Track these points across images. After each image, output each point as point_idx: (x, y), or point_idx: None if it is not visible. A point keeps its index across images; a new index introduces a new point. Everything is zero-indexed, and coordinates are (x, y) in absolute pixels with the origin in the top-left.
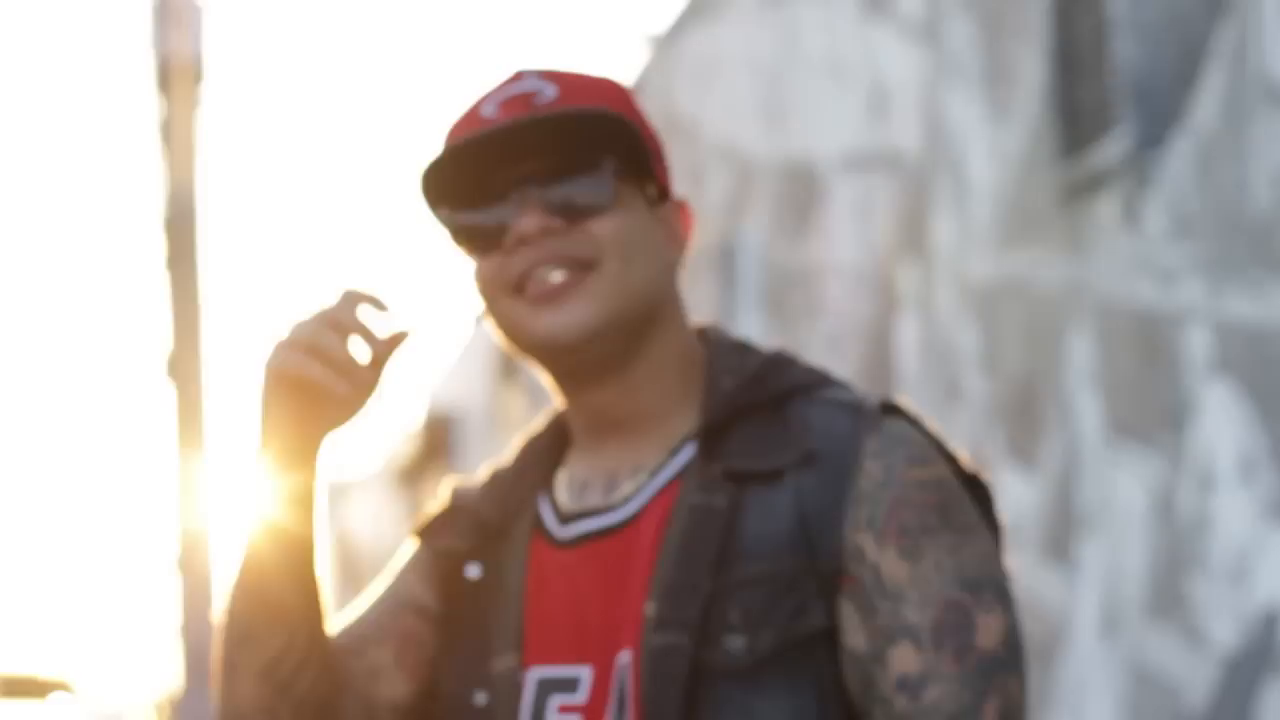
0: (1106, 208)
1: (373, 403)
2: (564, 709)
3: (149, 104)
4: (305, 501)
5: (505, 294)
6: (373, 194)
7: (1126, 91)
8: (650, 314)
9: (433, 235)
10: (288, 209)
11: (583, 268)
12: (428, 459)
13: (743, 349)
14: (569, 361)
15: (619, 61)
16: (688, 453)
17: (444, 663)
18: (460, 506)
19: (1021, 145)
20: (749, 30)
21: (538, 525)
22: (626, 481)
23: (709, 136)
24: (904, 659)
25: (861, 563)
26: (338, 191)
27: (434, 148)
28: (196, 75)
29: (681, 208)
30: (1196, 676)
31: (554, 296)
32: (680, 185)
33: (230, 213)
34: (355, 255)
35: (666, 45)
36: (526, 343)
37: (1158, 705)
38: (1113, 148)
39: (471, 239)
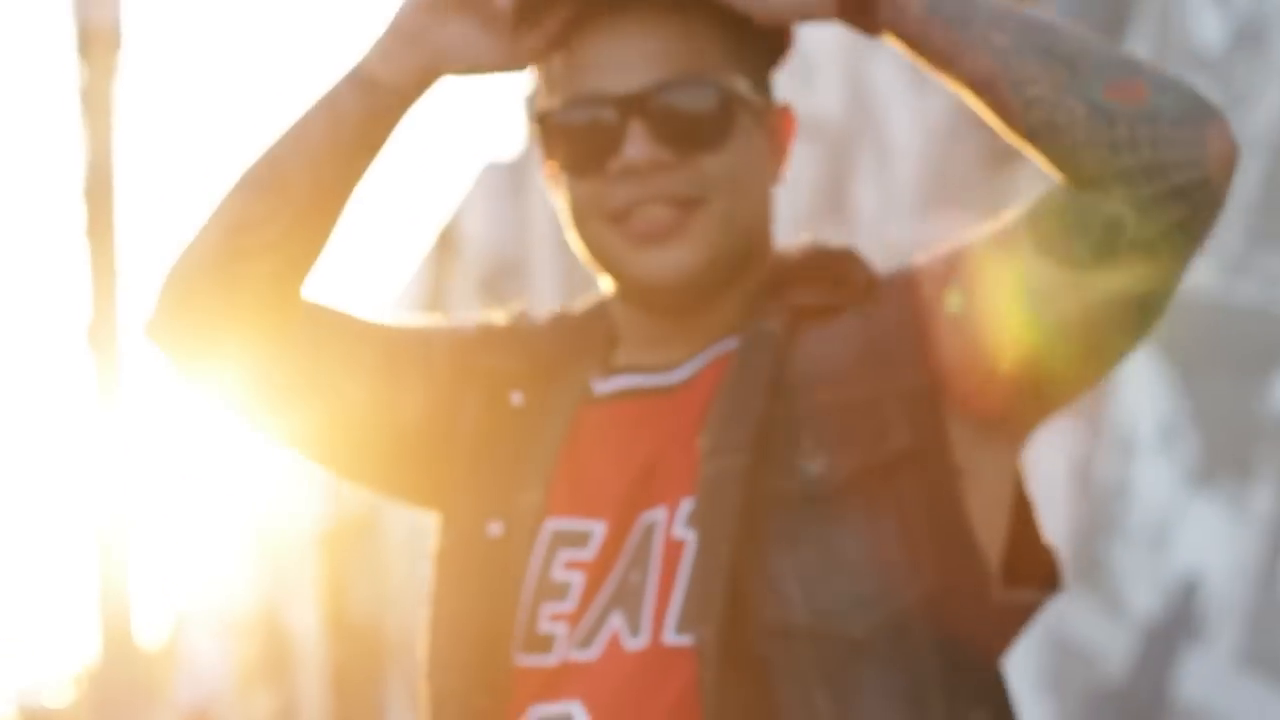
0: (1031, 172)
1: (516, 68)
2: (570, 564)
3: (68, 72)
4: (391, 114)
5: (603, 221)
6: None
7: None
8: (750, 246)
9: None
10: (206, 178)
11: (690, 206)
12: None
13: (812, 250)
14: (664, 301)
15: None
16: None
17: (465, 483)
18: (519, 329)
19: (945, 111)
20: None
21: (585, 383)
22: (680, 349)
23: None
24: (984, 230)
25: (953, 264)
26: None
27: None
28: (115, 43)
29: (785, 114)
30: (1116, 644)
31: (657, 237)
32: None
33: (148, 181)
34: None
35: None
36: (619, 274)
37: (1077, 674)
38: None
39: (568, 150)
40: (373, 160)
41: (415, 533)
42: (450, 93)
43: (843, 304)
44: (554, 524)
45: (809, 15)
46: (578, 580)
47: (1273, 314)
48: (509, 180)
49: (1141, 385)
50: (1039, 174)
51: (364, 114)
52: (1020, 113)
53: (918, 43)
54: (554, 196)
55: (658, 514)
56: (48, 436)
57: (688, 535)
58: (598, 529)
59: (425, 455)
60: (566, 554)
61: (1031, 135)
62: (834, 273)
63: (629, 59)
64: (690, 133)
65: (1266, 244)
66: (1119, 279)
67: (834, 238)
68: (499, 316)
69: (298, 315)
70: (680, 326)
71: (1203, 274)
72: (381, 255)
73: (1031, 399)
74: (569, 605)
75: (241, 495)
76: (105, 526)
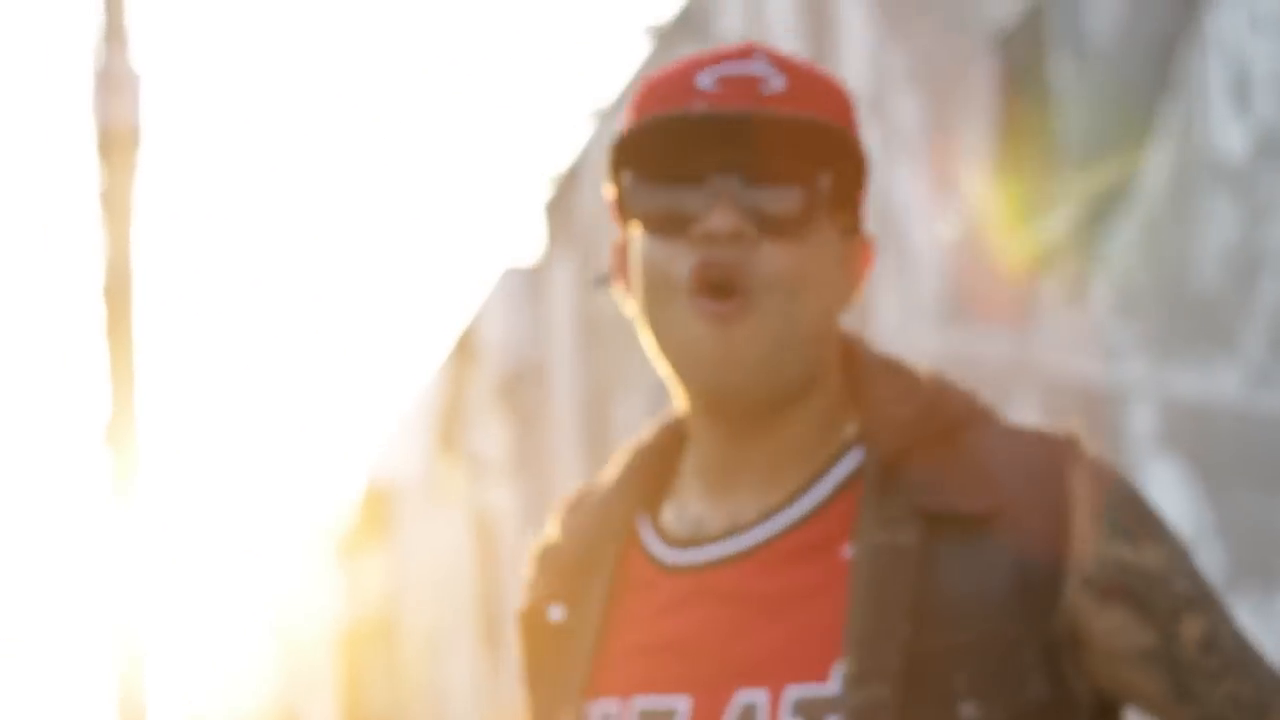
0: (1052, 283)
1: None
2: None
3: (88, 172)
4: None
5: (671, 286)
6: (311, 264)
7: (1072, 167)
8: (813, 355)
9: (375, 312)
10: (224, 277)
11: (758, 288)
12: (367, 531)
13: (898, 369)
14: (732, 389)
15: (563, 135)
16: (833, 480)
17: (531, 708)
18: (549, 545)
19: (967, 220)
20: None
21: (636, 553)
22: (751, 505)
23: None
24: (1195, 624)
25: (1126, 570)
26: (276, 260)
27: (636, 106)
28: (135, 143)
29: (866, 246)
30: None
31: (730, 316)
32: None
33: (167, 281)
34: (293, 326)
35: (610, 119)
36: (689, 357)
37: None
38: (1058, 223)
39: (655, 217)
40: None
41: (434, 633)
42: (469, 197)
43: (989, 516)
44: (641, 702)
45: None
46: None
47: None
48: (528, 285)
49: (1168, 494)
50: (1059, 286)
51: None
52: None
53: None
54: (624, 301)
55: (757, 695)
56: (65, 535)
57: None
58: (683, 705)
59: None
60: None
61: None
62: (977, 465)
63: (721, 139)
64: (771, 218)
65: None
66: None
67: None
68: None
69: None
70: (750, 446)
71: (1228, 385)
72: (399, 361)
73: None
74: None
75: (259, 595)
76: (122, 625)
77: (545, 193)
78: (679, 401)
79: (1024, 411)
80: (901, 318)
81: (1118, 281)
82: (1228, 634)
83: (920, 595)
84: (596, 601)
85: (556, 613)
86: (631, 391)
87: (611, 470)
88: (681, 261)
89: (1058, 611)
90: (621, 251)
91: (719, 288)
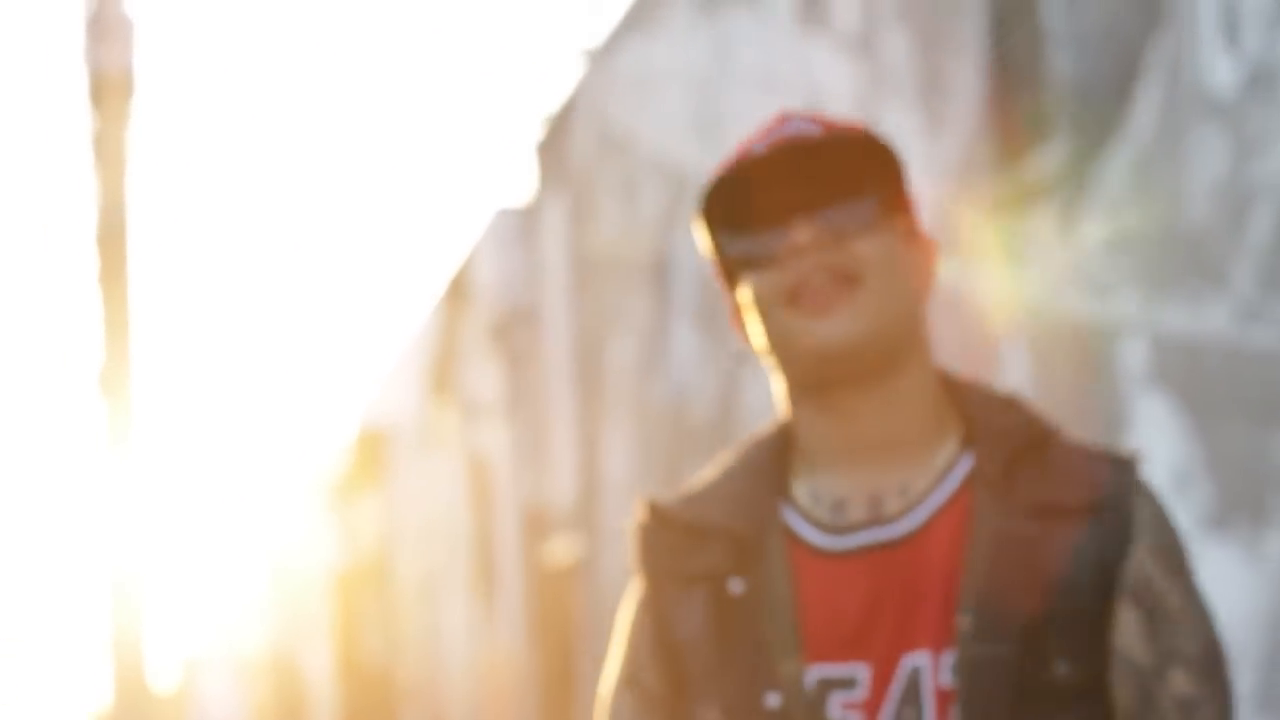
0: (1043, 220)
1: None
2: (846, 705)
3: (81, 119)
4: None
5: (779, 305)
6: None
7: (1063, 104)
8: (906, 338)
9: (369, 249)
10: (218, 224)
11: (849, 281)
12: (361, 476)
13: (985, 387)
14: (837, 370)
15: (554, 76)
16: (956, 478)
17: (718, 677)
18: (693, 525)
19: (957, 157)
20: (683, 44)
21: (791, 536)
22: (893, 499)
23: (644, 150)
24: (1181, 681)
25: (1149, 588)
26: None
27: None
28: (128, 90)
29: (931, 246)
30: None
31: (825, 307)
32: (614, 198)
33: (162, 228)
34: (286, 272)
35: (601, 59)
36: (797, 353)
37: None
38: (1049, 160)
39: (747, 260)
40: None
41: (428, 576)
42: (461, 138)
43: (1082, 510)
44: (817, 671)
45: None
46: (855, 719)
47: None
48: (521, 226)
49: (1156, 431)
50: (1049, 222)
51: None
52: None
53: None
54: (741, 338)
55: (920, 659)
56: (60, 482)
57: (952, 684)
58: (861, 672)
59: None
60: (839, 696)
61: None
62: (1087, 471)
63: (782, 182)
64: (845, 224)
65: (1279, 290)
66: None
67: None
68: (639, 531)
69: None
70: (866, 427)
71: (1216, 320)
72: (392, 304)
73: None
74: None
75: (255, 540)
76: (118, 571)
77: (537, 133)
78: (786, 404)
79: (1015, 348)
80: None
81: (1108, 217)
82: (1209, 709)
83: (1031, 572)
84: (779, 578)
85: (737, 585)
86: (624, 333)
87: (729, 460)
88: (781, 281)
89: (1121, 586)
90: (735, 307)
91: (819, 290)
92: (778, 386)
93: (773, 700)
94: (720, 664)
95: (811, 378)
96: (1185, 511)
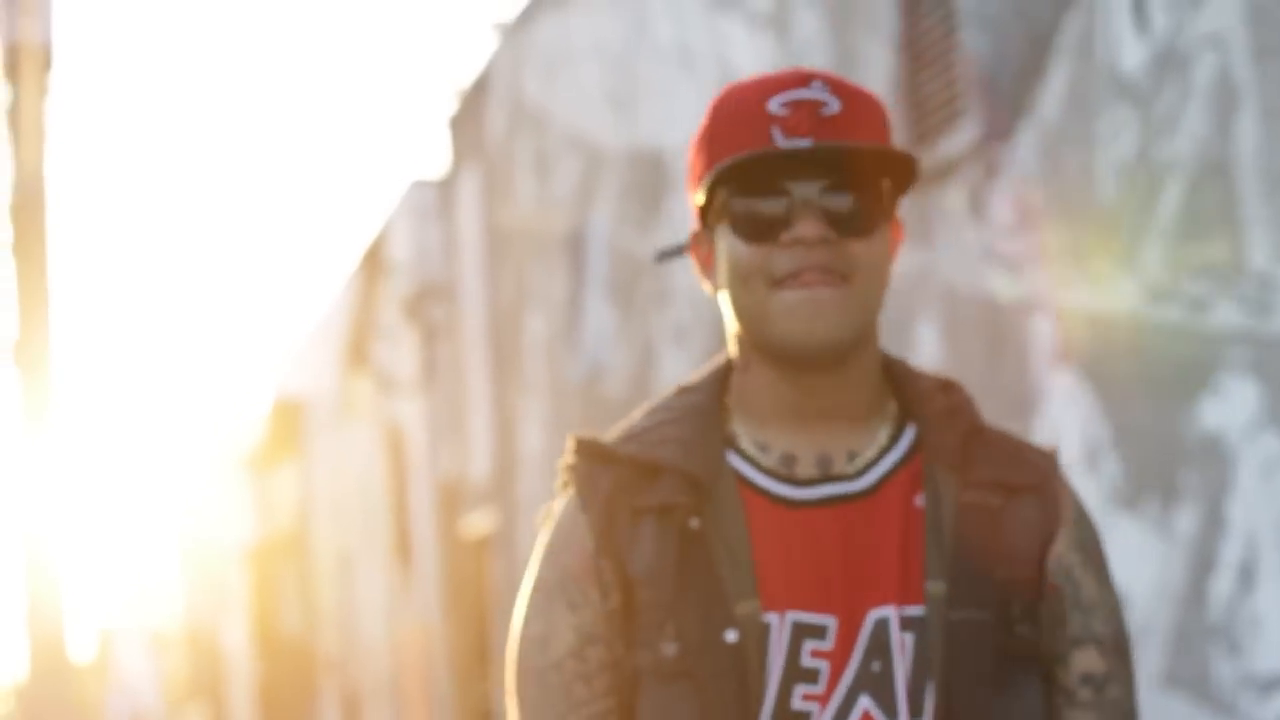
0: (954, 198)
1: None
2: (815, 653)
3: None
4: None
5: (764, 284)
6: (220, 180)
7: (973, 83)
8: (871, 324)
9: (283, 222)
10: (135, 196)
11: (840, 279)
12: (276, 446)
13: (918, 367)
14: (807, 359)
15: (468, 50)
16: (902, 448)
17: (674, 610)
18: (641, 461)
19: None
20: (598, 19)
21: (743, 481)
22: (841, 462)
23: (558, 125)
24: (1089, 660)
25: (1068, 578)
26: (185, 179)
27: (715, 120)
28: (45, 62)
29: (899, 226)
30: None
31: (815, 310)
32: (529, 174)
33: (78, 199)
34: (202, 242)
35: (515, 34)
36: (770, 331)
37: None
38: (960, 139)
39: (747, 224)
40: None
41: (345, 547)
42: (377, 109)
43: (1032, 488)
44: (793, 616)
45: None
46: (824, 667)
47: (1195, 336)
48: (436, 198)
49: (1067, 407)
50: (960, 201)
51: None
52: None
53: None
54: (702, 281)
55: (886, 611)
56: None
57: (915, 644)
58: (830, 623)
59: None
60: (811, 643)
61: None
62: (1021, 455)
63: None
64: (849, 221)
65: (1188, 267)
66: None
67: None
68: (579, 458)
69: None
70: (821, 395)
71: (1125, 297)
72: (307, 275)
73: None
74: (819, 688)
75: (171, 511)
76: (34, 543)
77: (451, 106)
78: (739, 353)
79: (927, 326)
80: None
81: (1018, 196)
82: (1117, 686)
83: (997, 541)
84: (733, 521)
85: (695, 522)
86: (539, 305)
87: (663, 406)
88: (774, 263)
89: (1046, 567)
90: (703, 243)
91: (810, 286)
92: (731, 330)
93: (731, 636)
94: (677, 596)
95: (780, 355)
96: (1095, 488)
